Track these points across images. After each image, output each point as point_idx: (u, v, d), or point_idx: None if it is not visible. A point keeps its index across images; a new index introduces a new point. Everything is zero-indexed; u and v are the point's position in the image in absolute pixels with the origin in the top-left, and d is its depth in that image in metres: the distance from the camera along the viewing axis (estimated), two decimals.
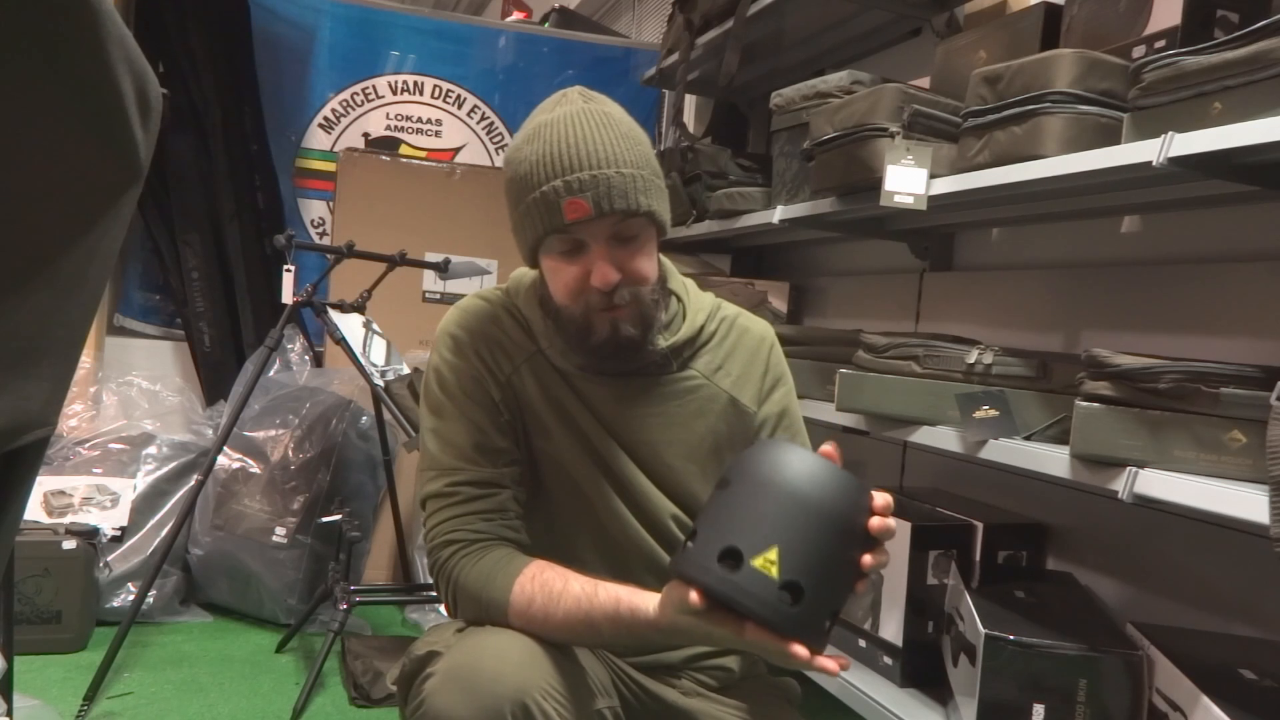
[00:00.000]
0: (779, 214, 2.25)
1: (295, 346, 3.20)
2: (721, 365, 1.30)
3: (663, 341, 1.25)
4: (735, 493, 1.00)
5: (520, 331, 1.27)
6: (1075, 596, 1.71)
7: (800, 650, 0.96)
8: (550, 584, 1.12)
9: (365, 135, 3.54)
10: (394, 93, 3.56)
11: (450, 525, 1.19)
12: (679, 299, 1.31)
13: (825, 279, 2.78)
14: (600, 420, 1.25)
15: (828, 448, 1.03)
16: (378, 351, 2.61)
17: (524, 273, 1.31)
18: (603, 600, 1.10)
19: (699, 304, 1.32)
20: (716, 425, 1.28)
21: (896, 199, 1.75)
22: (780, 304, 2.71)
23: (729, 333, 1.33)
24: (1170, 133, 1.28)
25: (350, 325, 2.59)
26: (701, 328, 1.30)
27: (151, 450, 2.84)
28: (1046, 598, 1.65)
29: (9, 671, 1.55)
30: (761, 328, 1.37)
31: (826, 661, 0.97)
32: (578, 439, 1.24)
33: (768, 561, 0.95)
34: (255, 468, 2.80)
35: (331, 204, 3.45)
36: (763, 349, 1.35)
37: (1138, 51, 1.58)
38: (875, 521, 1.00)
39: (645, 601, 1.08)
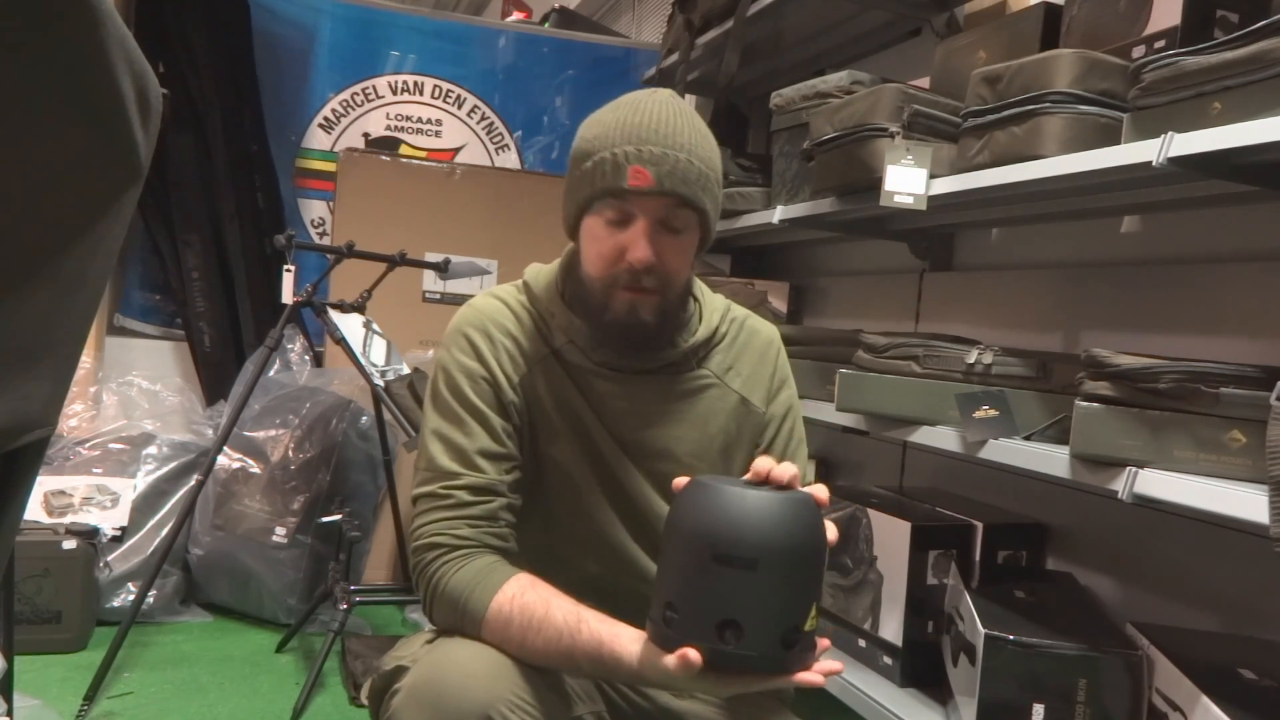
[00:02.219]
0: (779, 214, 2.25)
1: (295, 346, 3.19)
2: (732, 366, 1.31)
3: (682, 342, 1.27)
4: (702, 556, 0.98)
5: (535, 332, 1.26)
6: (1075, 596, 1.71)
7: (809, 677, 1.00)
8: (531, 609, 1.09)
9: (365, 135, 3.54)
10: (394, 93, 3.56)
11: (436, 528, 1.17)
12: (695, 299, 1.32)
13: (825, 279, 2.77)
14: (609, 424, 1.24)
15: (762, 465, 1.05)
16: (378, 351, 2.60)
17: (540, 268, 1.32)
18: (585, 640, 1.07)
19: (713, 305, 1.33)
20: (727, 424, 1.29)
21: (896, 199, 1.75)
22: (780, 304, 2.71)
23: (739, 334, 1.34)
24: (1170, 133, 1.28)
25: (350, 325, 2.59)
26: (716, 329, 1.31)
27: (151, 450, 2.83)
28: (1046, 598, 1.65)
29: (9, 671, 1.55)
30: (769, 330, 1.38)
31: (818, 672, 1.01)
32: (584, 445, 1.24)
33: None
34: (255, 468, 2.80)
35: (331, 204, 3.45)
36: (770, 351, 1.36)
37: (1138, 51, 1.58)
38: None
39: (628, 649, 1.05)
